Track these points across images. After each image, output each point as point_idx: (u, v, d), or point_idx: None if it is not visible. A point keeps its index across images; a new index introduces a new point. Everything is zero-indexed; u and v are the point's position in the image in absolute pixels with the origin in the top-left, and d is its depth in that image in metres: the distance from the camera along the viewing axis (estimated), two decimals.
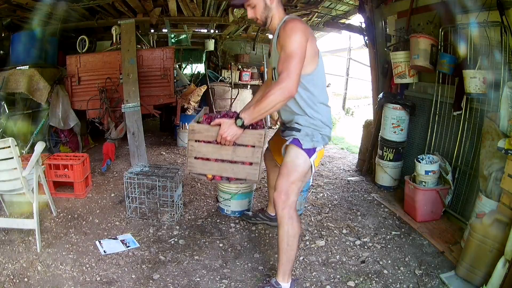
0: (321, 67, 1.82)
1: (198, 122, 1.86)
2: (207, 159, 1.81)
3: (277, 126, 3.24)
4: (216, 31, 6.43)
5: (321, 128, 1.83)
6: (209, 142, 1.77)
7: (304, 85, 1.76)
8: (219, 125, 1.71)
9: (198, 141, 1.79)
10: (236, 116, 1.68)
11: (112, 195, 3.12)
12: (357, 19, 4.64)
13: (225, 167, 1.79)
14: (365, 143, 3.87)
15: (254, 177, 1.78)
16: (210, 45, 6.42)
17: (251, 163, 1.77)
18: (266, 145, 2.22)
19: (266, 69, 6.79)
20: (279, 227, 1.73)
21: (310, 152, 1.77)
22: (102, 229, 2.51)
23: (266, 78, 6.73)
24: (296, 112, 1.84)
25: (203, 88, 5.22)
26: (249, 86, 6.67)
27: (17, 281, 1.90)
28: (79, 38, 4.31)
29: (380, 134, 3.34)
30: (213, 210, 2.86)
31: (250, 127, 1.77)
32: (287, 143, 1.82)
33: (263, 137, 1.74)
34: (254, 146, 1.75)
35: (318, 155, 1.82)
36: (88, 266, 2.06)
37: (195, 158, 1.80)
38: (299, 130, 1.82)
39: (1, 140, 2.05)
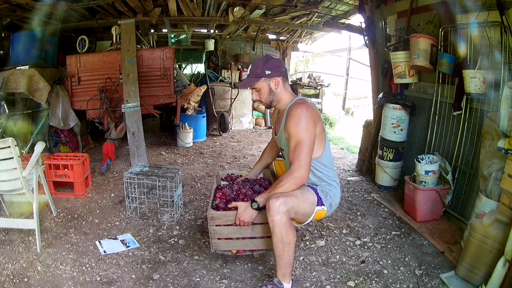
0: (328, 148, 1.92)
1: (213, 202, 2.00)
2: (230, 238, 1.94)
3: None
4: (216, 31, 6.44)
5: (332, 195, 1.88)
6: (229, 225, 1.89)
7: (315, 168, 1.87)
8: (236, 208, 1.84)
9: (219, 225, 1.90)
10: (252, 200, 1.81)
11: (112, 195, 3.12)
12: (357, 19, 4.65)
13: (247, 243, 1.94)
14: (365, 143, 3.87)
15: None
16: (210, 45, 6.42)
17: (269, 236, 1.88)
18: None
19: None
20: (273, 234, 1.67)
21: (319, 201, 1.82)
22: (102, 229, 2.51)
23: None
24: (311, 181, 1.91)
25: (203, 88, 5.22)
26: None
27: (17, 281, 1.90)
28: (79, 38, 4.31)
29: (380, 134, 3.34)
30: None
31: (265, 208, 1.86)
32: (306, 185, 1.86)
33: None
34: None
35: (317, 214, 1.83)
36: (88, 266, 2.06)
37: (218, 239, 1.94)
38: (316, 185, 1.89)
39: (1, 140, 2.05)
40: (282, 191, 1.69)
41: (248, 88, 1.93)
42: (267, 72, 1.83)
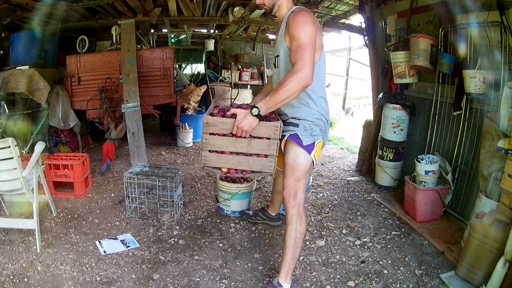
0: (324, 60, 1.83)
1: (211, 115, 1.83)
2: (222, 152, 1.79)
3: None
4: (216, 31, 6.43)
5: (318, 120, 1.83)
6: (223, 135, 1.75)
7: None
8: (234, 116, 1.70)
9: (213, 134, 1.76)
10: (252, 106, 1.67)
11: (112, 195, 3.12)
12: (357, 19, 4.64)
13: (240, 160, 1.77)
14: (365, 143, 3.87)
15: (270, 169, 1.78)
16: (210, 45, 6.42)
17: (266, 156, 1.77)
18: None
19: (266, 69, 6.80)
20: (288, 224, 1.76)
21: (309, 148, 1.77)
22: (102, 229, 2.51)
23: (267, 79, 6.74)
24: (295, 104, 1.82)
25: (203, 88, 5.22)
26: (249, 86, 6.67)
27: (17, 281, 1.90)
28: (79, 38, 4.31)
29: (380, 134, 3.34)
30: (213, 210, 2.86)
31: (265, 119, 1.76)
32: (286, 138, 1.81)
33: (279, 129, 1.73)
34: (269, 138, 1.74)
35: (317, 148, 1.81)
36: (88, 266, 2.06)
37: (210, 151, 1.78)
38: (297, 125, 1.81)
39: (1, 140, 2.05)
40: (284, 92, 1.58)
41: None
42: None
